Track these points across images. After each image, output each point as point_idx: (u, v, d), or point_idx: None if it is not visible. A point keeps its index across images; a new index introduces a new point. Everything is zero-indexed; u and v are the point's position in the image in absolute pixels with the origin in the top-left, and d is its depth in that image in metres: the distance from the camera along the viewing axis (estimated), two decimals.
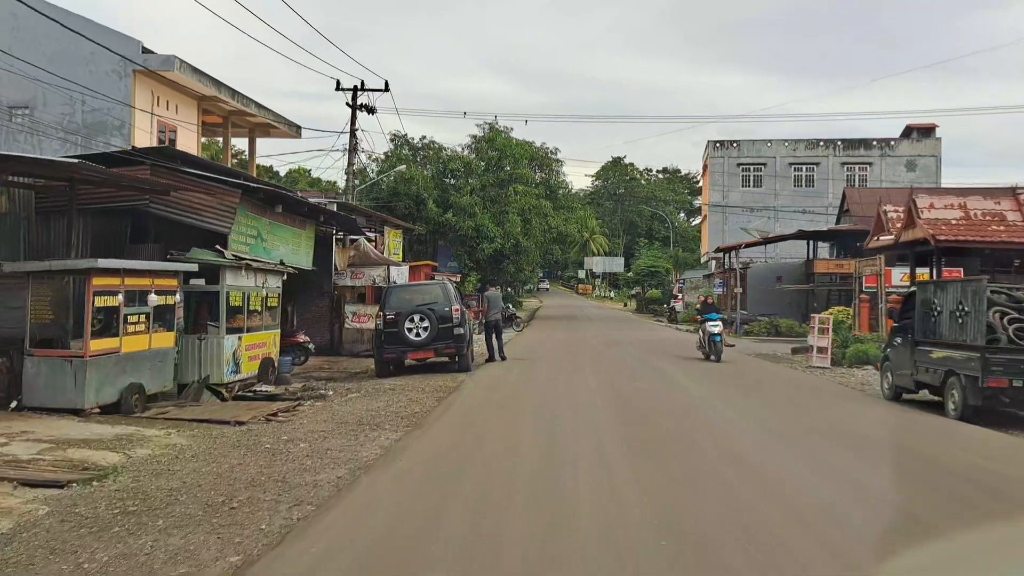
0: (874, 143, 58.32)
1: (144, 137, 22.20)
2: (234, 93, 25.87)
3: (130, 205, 13.19)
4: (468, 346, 15.91)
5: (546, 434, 8.98)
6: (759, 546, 4.97)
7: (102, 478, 7.24)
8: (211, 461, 7.85)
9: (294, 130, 30.75)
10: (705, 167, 61.75)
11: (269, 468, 7.38)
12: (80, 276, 10.59)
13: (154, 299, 11.33)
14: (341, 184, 35.49)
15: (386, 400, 11.94)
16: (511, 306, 35.32)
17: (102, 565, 4.83)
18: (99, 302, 10.50)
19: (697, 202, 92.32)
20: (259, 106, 27.53)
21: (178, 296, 12.15)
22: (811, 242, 40.23)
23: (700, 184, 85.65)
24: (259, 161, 49.80)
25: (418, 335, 15.04)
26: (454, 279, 31.05)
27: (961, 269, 26.83)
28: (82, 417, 10.16)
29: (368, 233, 24.25)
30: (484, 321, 18.32)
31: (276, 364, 14.89)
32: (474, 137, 39.83)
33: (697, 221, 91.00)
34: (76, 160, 11.68)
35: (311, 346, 18.71)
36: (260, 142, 32.33)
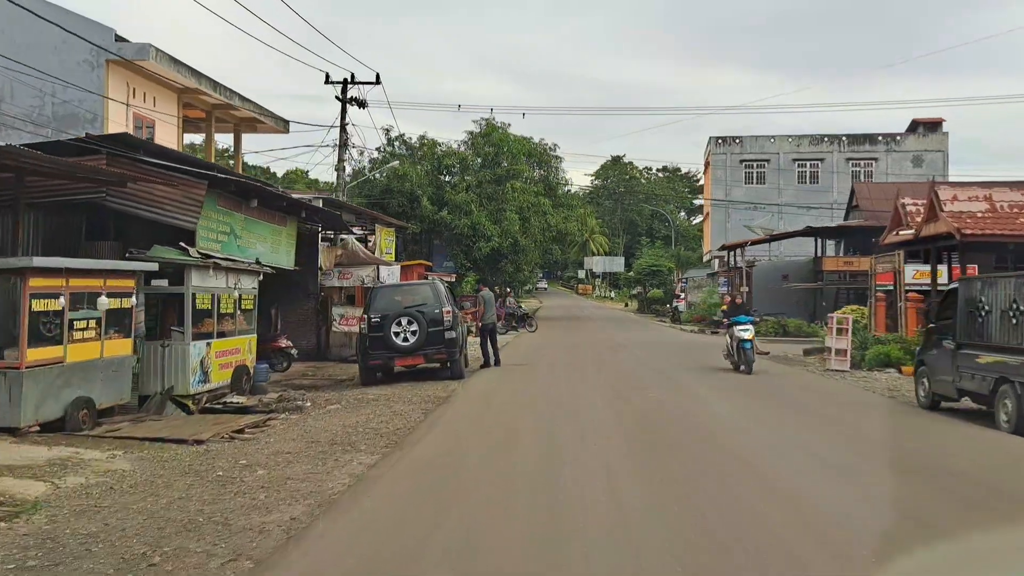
0: (879, 138, 57.19)
1: (118, 131, 20.94)
2: (216, 85, 24.61)
3: (86, 199, 11.95)
4: (461, 351, 14.64)
5: (545, 471, 7.20)
6: None
7: (13, 517, 6.00)
8: (149, 494, 6.60)
9: (281, 125, 29.46)
10: (707, 164, 60.56)
11: (214, 504, 6.14)
12: (16, 277, 9.33)
13: (104, 302, 10.06)
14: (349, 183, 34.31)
15: (368, 413, 10.69)
16: (523, 305, 33.96)
17: None
18: (38, 306, 9.24)
19: (698, 201, 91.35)
20: (244, 99, 26.27)
21: (134, 299, 10.89)
22: (819, 239, 38.98)
23: (701, 183, 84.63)
24: (250, 161, 48.34)
25: (406, 340, 13.77)
26: (449, 279, 29.83)
27: (975, 266, 25.73)
28: (17, 437, 8.90)
29: (356, 231, 23.01)
30: (480, 324, 17.02)
31: (251, 372, 13.64)
32: (471, 133, 38.62)
33: (698, 220, 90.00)
34: (20, 148, 10.45)
35: (294, 351, 17.47)
36: (247, 139, 31.12)
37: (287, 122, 29.80)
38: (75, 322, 9.80)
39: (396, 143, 35.34)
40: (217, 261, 12.34)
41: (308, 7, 33.36)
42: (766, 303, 37.62)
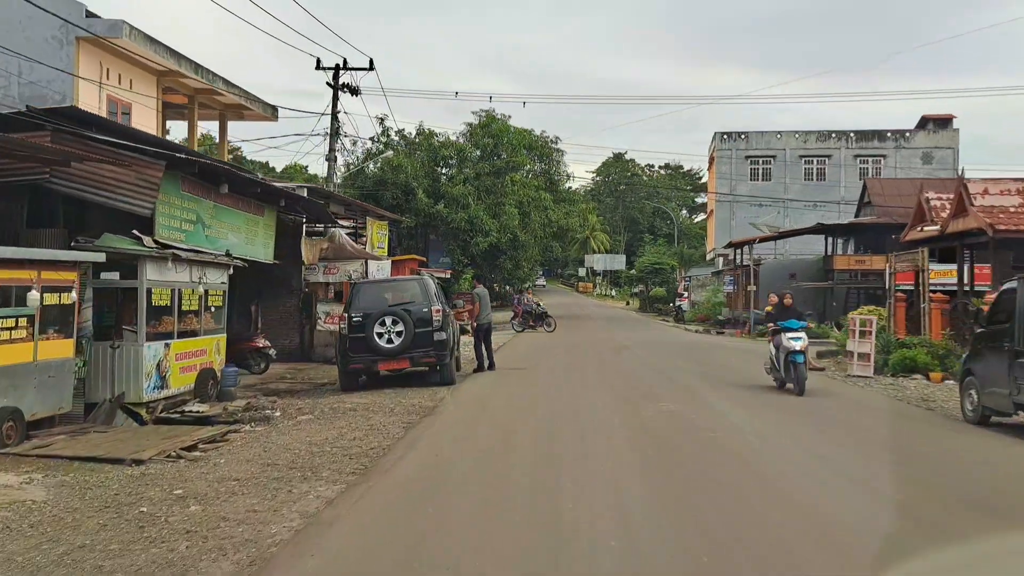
0: (888, 134, 55.91)
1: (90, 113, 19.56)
2: (197, 67, 23.24)
3: (27, 180, 10.58)
4: (452, 354, 13.25)
5: (543, 509, 5.75)
6: None
7: None
8: (49, 538, 5.26)
9: (270, 112, 28.08)
10: (711, 160, 59.20)
11: (119, 558, 4.79)
12: None
13: (35, 297, 8.71)
14: (341, 175, 32.85)
15: (341, 426, 9.34)
16: (540, 303, 32.40)
17: None
18: None
19: (700, 198, 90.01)
20: (228, 83, 24.88)
21: (74, 294, 9.52)
22: (829, 237, 37.60)
23: (703, 180, 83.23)
24: (247, 156, 47.02)
25: (390, 341, 12.39)
26: (443, 275, 28.44)
27: (991, 265, 24.36)
28: None
29: (345, 224, 21.66)
30: (475, 324, 15.60)
31: (219, 376, 12.29)
32: (469, 125, 37.20)
33: (701, 218, 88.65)
34: None
35: (272, 352, 16.12)
36: (234, 127, 29.77)
37: (275, 109, 28.42)
38: None
39: (391, 134, 33.83)
40: (177, 252, 10.98)
41: (309, 6, 31.78)
42: None
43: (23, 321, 8.78)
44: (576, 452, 7.64)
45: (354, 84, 26.99)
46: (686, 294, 48.92)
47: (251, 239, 14.72)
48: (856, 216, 40.04)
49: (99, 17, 19.98)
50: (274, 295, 18.67)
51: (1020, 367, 9.37)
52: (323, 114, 27.16)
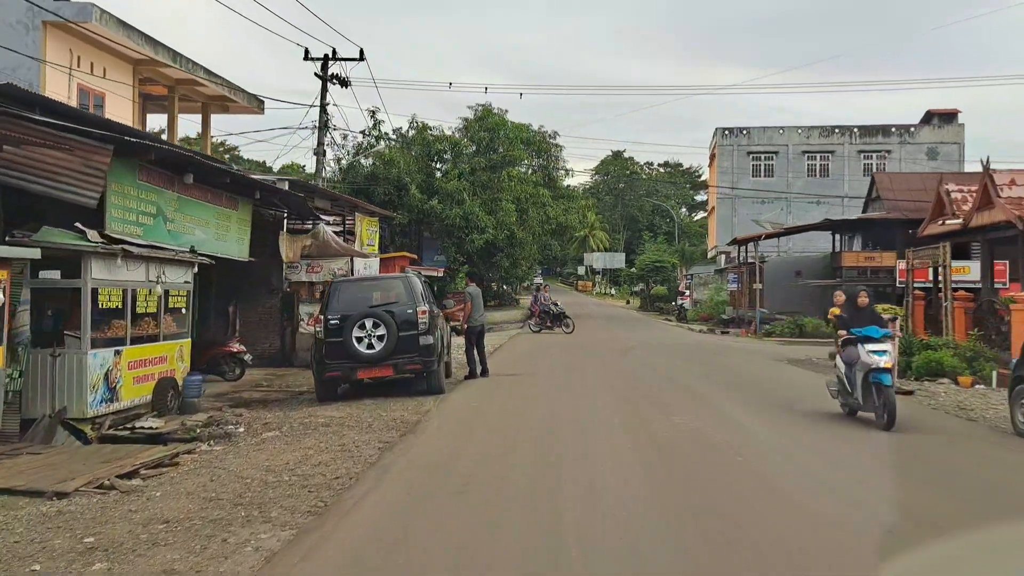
0: (893, 129, 54.80)
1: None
2: (176, 56, 22.02)
3: None
4: (440, 360, 12.00)
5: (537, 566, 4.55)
6: None
7: None
8: None
9: (255, 104, 26.85)
10: (713, 156, 58.00)
11: None
12: None
13: None
14: (331, 171, 31.54)
15: (309, 446, 8.13)
16: (558, 303, 31.00)
17: None
18: None
19: (700, 196, 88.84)
20: (209, 73, 23.66)
21: (1, 295, 8.30)
22: (838, 234, 36.45)
23: (702, 177, 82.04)
24: (245, 155, 45.87)
25: (371, 347, 11.16)
26: (434, 274, 27.21)
27: (1007, 262, 23.19)
28: None
29: (328, 219, 20.44)
30: (466, 326, 14.32)
31: (180, 386, 11.08)
32: (465, 120, 35.99)
33: (700, 216, 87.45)
34: None
35: (248, 357, 14.91)
36: (219, 120, 28.58)
37: (261, 101, 27.21)
38: None
39: (382, 127, 32.59)
40: (128, 248, 9.76)
41: (309, 5, 30.41)
42: (777, 301, 35.14)
43: None
44: (582, 489, 6.33)
45: (344, 75, 25.82)
46: (688, 292, 47.76)
47: (222, 234, 13.51)
48: (864, 212, 38.85)
49: (68, 0, 18.75)
50: (254, 295, 17.47)
51: None
52: (311, 106, 25.91)
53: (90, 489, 6.79)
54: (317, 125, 25.78)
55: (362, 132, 31.78)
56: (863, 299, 10.02)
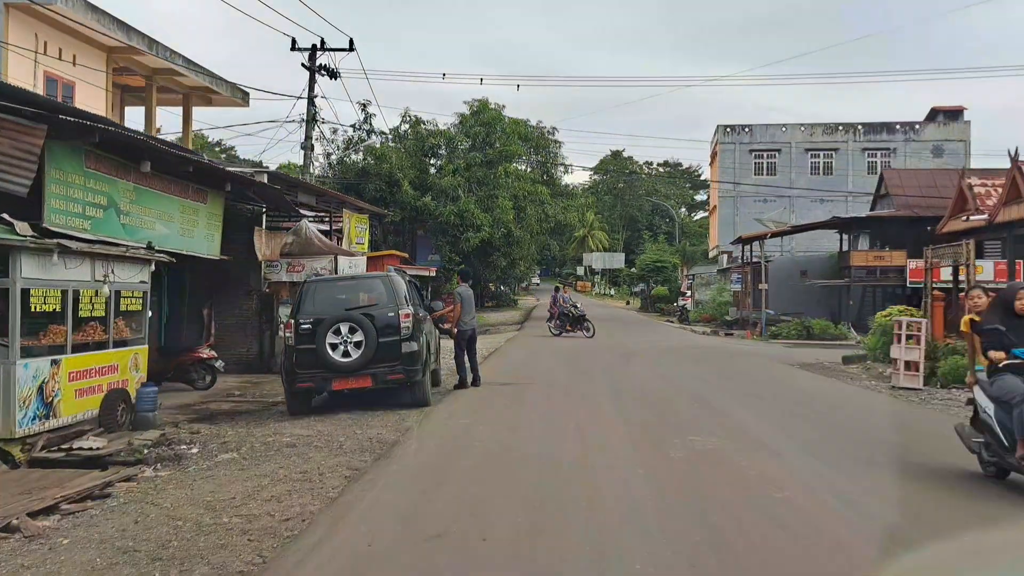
0: (897, 127, 53.80)
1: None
2: (153, 43, 20.84)
3: None
4: (425, 368, 10.77)
5: None
6: None
7: None
8: None
9: (240, 96, 25.67)
10: (714, 154, 56.86)
11: None
12: None
13: None
14: (320, 167, 30.31)
15: (264, 474, 6.93)
16: (579, 304, 29.63)
17: None
18: None
19: (700, 196, 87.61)
20: (189, 63, 22.48)
21: None
22: (842, 233, 35.29)
23: (703, 177, 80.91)
24: (241, 154, 44.78)
25: (347, 354, 9.96)
26: (427, 273, 25.99)
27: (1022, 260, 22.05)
28: None
29: (316, 215, 19.27)
30: (456, 330, 13.05)
31: (132, 399, 9.87)
32: (461, 115, 34.79)
33: (700, 216, 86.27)
34: None
35: (219, 364, 13.71)
36: (202, 112, 27.37)
37: (246, 93, 26.04)
38: None
39: (373, 121, 31.36)
40: (65, 243, 8.56)
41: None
42: (782, 301, 34.02)
43: None
44: (579, 538, 5.14)
45: (333, 67, 24.62)
46: (690, 293, 46.60)
47: (188, 229, 12.31)
48: (872, 209, 37.72)
49: None
50: (230, 297, 16.29)
51: None
52: (299, 98, 24.70)
53: None
54: (305, 119, 24.61)
55: (352, 126, 30.58)
56: (1022, 303, 6.58)
